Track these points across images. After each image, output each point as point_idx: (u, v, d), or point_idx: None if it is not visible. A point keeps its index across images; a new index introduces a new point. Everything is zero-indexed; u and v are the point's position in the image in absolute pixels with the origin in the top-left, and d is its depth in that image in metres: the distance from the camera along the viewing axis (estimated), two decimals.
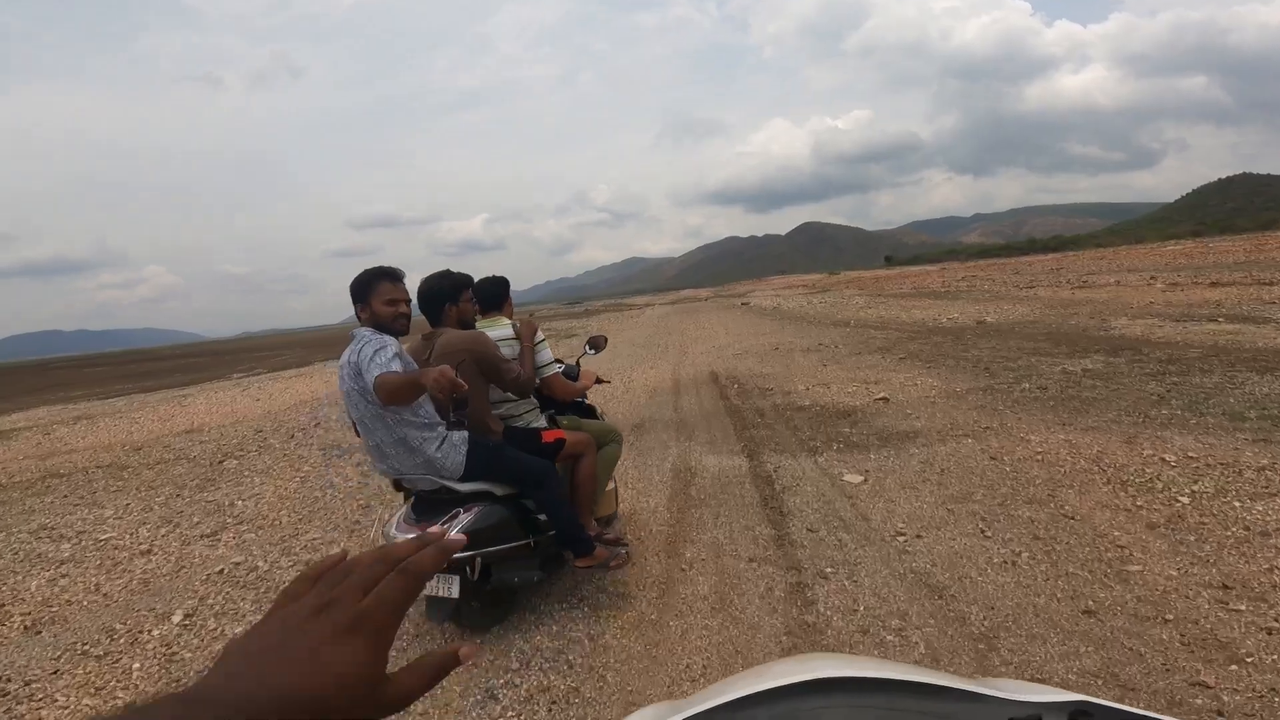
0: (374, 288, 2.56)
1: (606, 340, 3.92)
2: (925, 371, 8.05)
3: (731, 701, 0.72)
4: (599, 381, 3.64)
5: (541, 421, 3.18)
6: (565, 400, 3.30)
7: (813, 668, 0.75)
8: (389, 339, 2.50)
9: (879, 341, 11.60)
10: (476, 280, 3.13)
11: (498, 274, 3.33)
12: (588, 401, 3.68)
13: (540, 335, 3.15)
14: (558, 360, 3.22)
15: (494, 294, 3.23)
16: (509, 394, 2.99)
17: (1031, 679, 1.58)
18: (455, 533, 2.04)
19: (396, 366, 2.38)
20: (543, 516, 2.82)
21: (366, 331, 2.53)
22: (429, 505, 2.72)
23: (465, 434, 2.66)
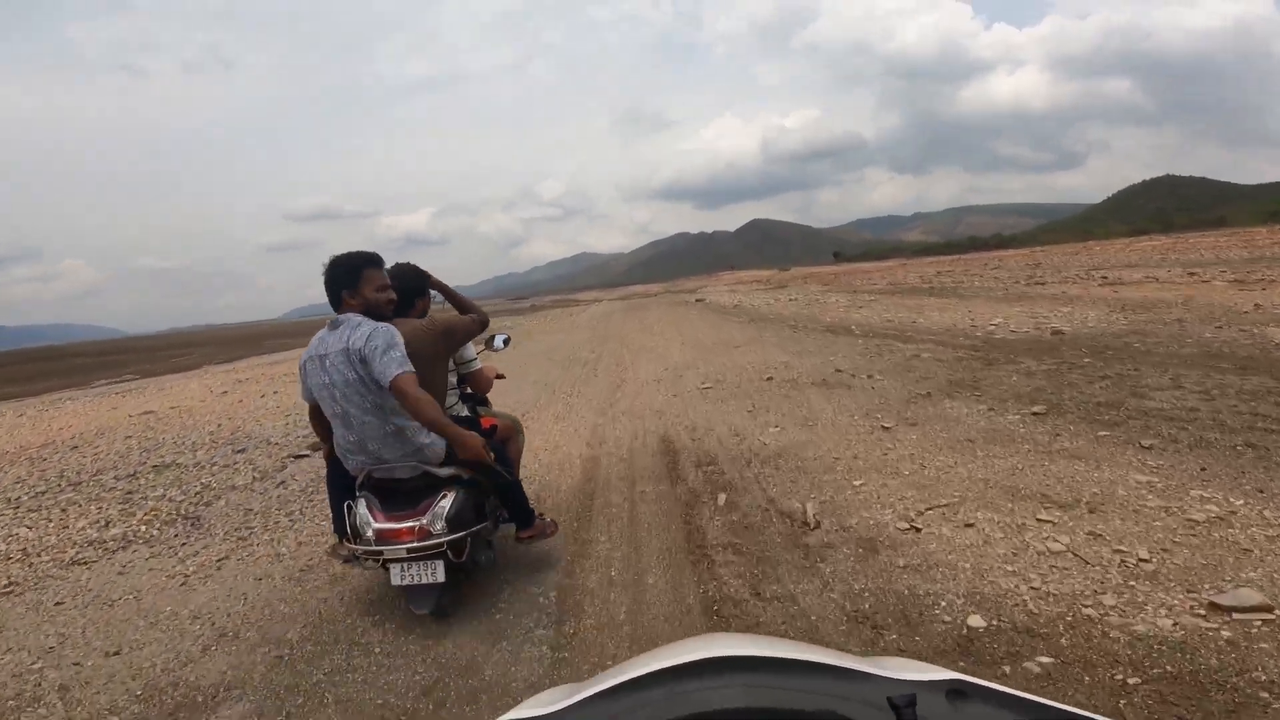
0: (364, 274, 2.61)
1: (509, 339, 4.02)
2: (1149, 460, 3.68)
3: (630, 680, 0.74)
4: (499, 376, 3.71)
5: (465, 411, 3.27)
6: (481, 391, 3.45)
7: (710, 647, 0.79)
8: (395, 331, 2.54)
9: (931, 366, 7.24)
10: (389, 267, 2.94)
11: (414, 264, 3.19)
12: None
13: None
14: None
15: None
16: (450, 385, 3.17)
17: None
18: (444, 518, 2.62)
19: (409, 366, 2.47)
20: (489, 500, 2.97)
21: (360, 318, 2.57)
22: (396, 493, 2.71)
23: None
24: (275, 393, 11.31)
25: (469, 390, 3.39)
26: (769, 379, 7.43)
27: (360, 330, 2.50)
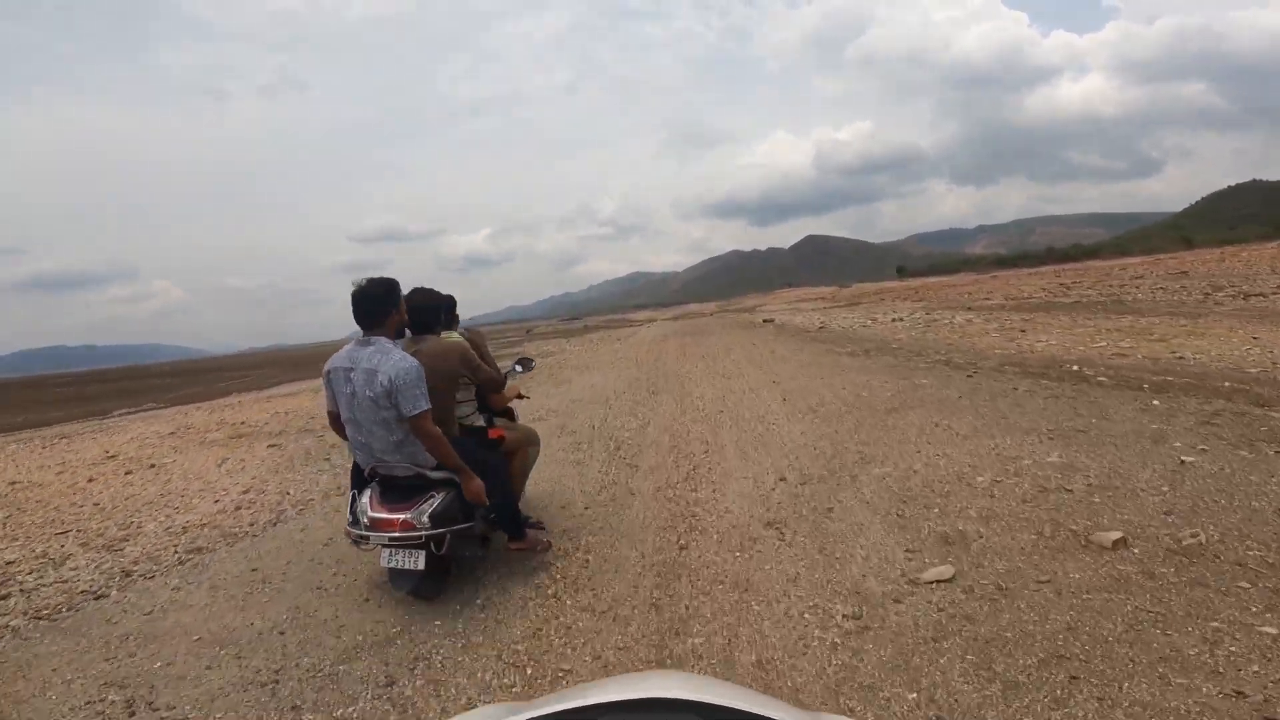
0: (398, 298, 3.00)
1: (534, 362, 4.54)
2: None
3: (577, 709, 0.73)
4: (520, 396, 4.04)
5: (481, 421, 3.58)
6: (498, 407, 3.78)
7: (649, 686, 0.80)
8: (420, 368, 2.90)
9: None
10: (407, 293, 3.22)
11: (436, 289, 3.50)
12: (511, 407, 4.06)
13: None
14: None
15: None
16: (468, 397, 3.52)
17: None
18: (428, 515, 2.98)
19: (427, 404, 2.89)
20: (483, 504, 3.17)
21: (390, 344, 2.94)
22: (396, 488, 3.08)
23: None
24: (223, 464, 7.43)
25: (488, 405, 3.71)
26: (1099, 545, 3.00)
27: (391, 359, 2.85)
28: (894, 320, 17.66)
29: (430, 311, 3.36)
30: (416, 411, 2.82)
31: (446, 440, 2.95)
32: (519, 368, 4.24)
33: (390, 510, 2.99)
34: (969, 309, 19.39)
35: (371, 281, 2.89)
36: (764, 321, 26.32)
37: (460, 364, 3.28)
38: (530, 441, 3.76)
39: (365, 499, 3.07)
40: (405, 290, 3.14)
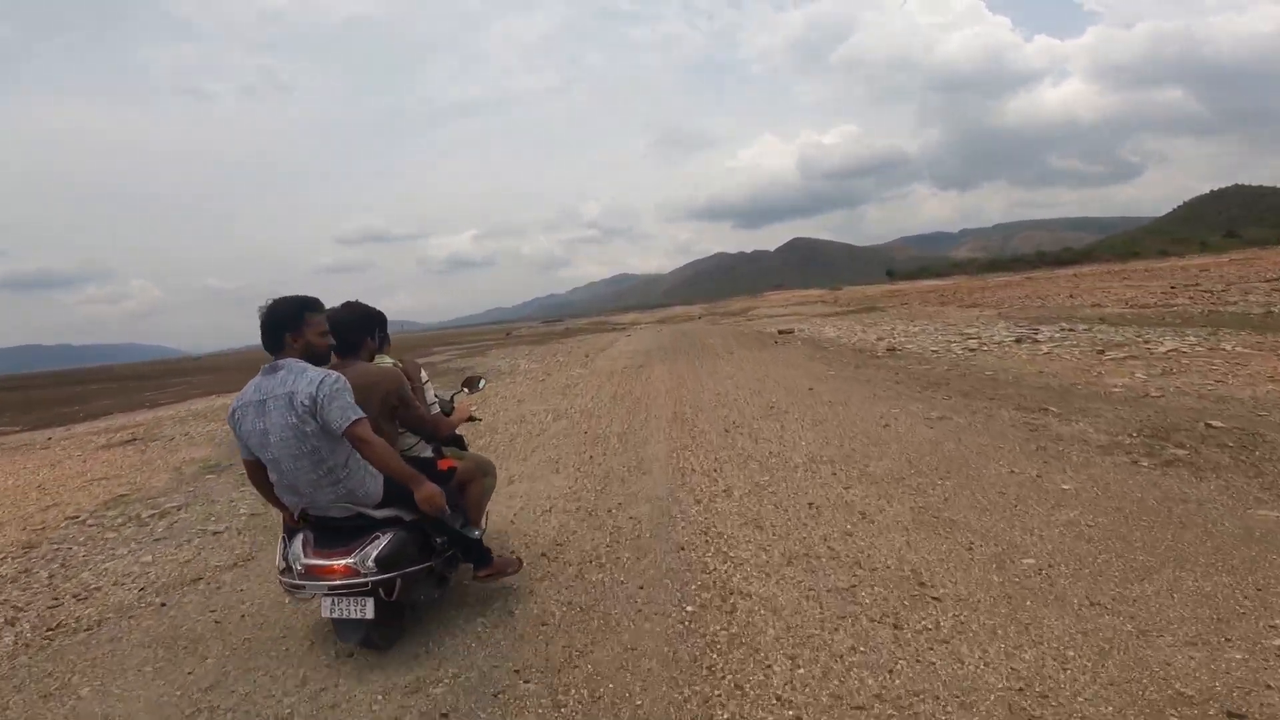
0: (307, 319, 2.65)
1: (482, 381, 4.07)
2: None
3: None
4: (471, 419, 3.63)
5: (428, 452, 3.26)
6: (445, 434, 3.36)
7: None
8: (343, 377, 2.59)
9: None
10: (331, 308, 2.92)
11: (366, 304, 3.16)
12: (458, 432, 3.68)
13: (426, 376, 3.29)
14: (436, 396, 3.35)
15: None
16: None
17: None
18: (373, 558, 2.63)
19: (360, 411, 2.54)
20: (440, 539, 2.93)
21: (303, 364, 2.60)
22: (335, 532, 2.74)
23: None
24: None
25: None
26: None
27: (306, 376, 2.54)
28: (1016, 342, 11.36)
29: (358, 329, 3.02)
30: (348, 421, 2.49)
31: (389, 446, 2.65)
32: (466, 389, 3.90)
33: (327, 555, 2.68)
34: (1101, 321, 13.33)
35: (279, 301, 2.66)
36: (779, 334, 20.00)
37: (394, 393, 2.90)
38: (485, 471, 3.38)
39: (297, 544, 2.74)
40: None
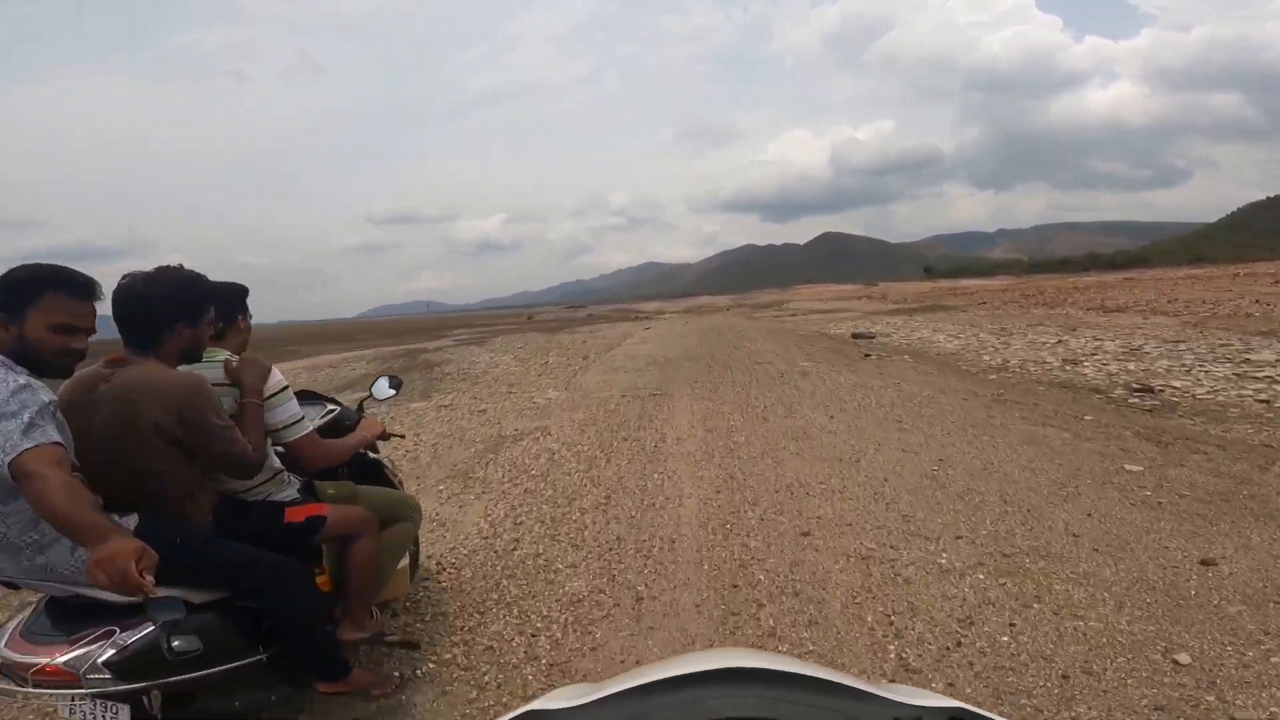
0: (37, 298, 1.55)
1: (401, 382, 2.97)
2: None
3: (642, 685, 0.73)
4: (385, 436, 2.53)
5: (290, 492, 2.11)
6: (339, 459, 2.29)
7: (730, 659, 0.79)
8: (37, 384, 1.51)
9: None
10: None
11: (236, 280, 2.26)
12: (376, 456, 2.72)
13: (280, 382, 2.05)
14: (331, 404, 2.52)
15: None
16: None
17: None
18: (105, 660, 1.57)
19: (53, 434, 1.44)
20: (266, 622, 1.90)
21: (7, 362, 1.52)
22: (73, 609, 1.68)
23: (134, 518, 1.71)
24: None
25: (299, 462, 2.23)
26: None
27: None
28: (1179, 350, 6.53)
29: (164, 312, 1.80)
30: (25, 448, 1.39)
31: (71, 484, 1.40)
32: (375, 393, 2.87)
33: (41, 647, 1.62)
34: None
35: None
36: (854, 338, 15.25)
37: (178, 408, 1.72)
38: (393, 516, 2.31)
39: (12, 624, 1.75)
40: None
